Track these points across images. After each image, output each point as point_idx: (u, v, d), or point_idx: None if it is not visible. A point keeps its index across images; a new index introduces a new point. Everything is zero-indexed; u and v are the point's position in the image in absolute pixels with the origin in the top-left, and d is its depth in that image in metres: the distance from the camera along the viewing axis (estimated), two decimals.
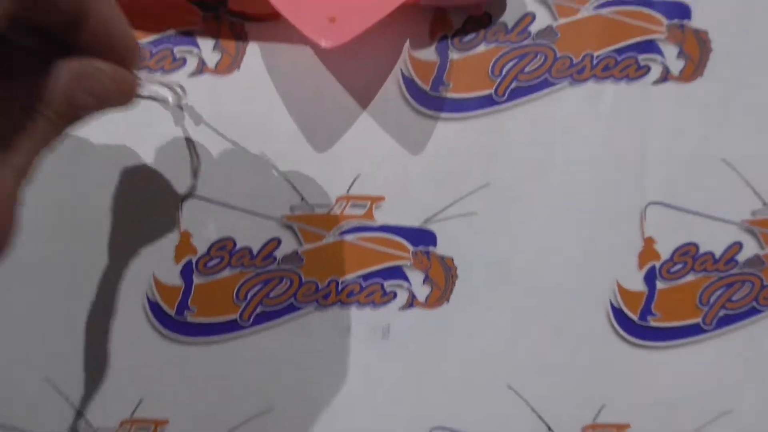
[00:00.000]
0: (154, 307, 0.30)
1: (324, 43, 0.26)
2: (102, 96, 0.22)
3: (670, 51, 0.32)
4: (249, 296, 0.31)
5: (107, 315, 0.30)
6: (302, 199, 0.31)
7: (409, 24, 0.31)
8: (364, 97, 0.31)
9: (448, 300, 0.31)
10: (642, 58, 0.32)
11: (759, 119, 0.32)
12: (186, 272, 0.30)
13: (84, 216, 0.30)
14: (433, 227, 0.31)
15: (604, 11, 0.31)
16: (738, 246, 0.32)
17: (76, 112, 0.22)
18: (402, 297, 0.31)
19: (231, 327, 0.31)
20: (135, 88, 0.23)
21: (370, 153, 0.31)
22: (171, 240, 0.30)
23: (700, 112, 0.32)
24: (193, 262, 0.30)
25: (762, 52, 0.32)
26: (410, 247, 0.31)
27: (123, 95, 0.23)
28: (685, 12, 0.32)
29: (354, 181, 0.31)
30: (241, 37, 0.30)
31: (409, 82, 0.31)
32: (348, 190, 0.31)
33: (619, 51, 0.32)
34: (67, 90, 0.21)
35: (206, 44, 0.30)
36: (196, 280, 0.30)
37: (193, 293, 0.30)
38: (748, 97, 0.32)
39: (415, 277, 0.31)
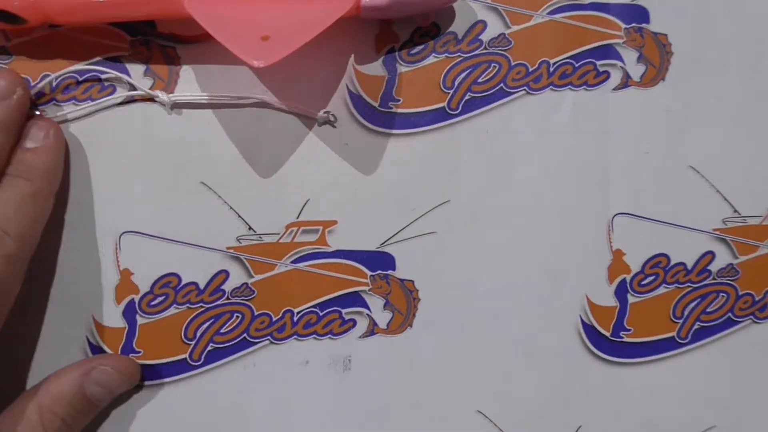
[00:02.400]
0: (97, 351, 0.28)
1: (256, 63, 0.24)
2: (112, 386, 0.27)
3: (629, 56, 0.30)
4: (198, 334, 0.29)
5: (46, 363, 0.28)
6: (249, 228, 0.29)
7: (353, 38, 0.29)
8: (309, 117, 0.29)
9: (411, 325, 0.30)
10: (600, 64, 0.30)
11: (725, 123, 0.30)
12: (128, 313, 0.29)
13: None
14: (390, 250, 0.29)
15: (559, 17, 0.30)
16: (710, 255, 0.30)
17: (91, 406, 0.27)
18: (362, 324, 0.29)
19: (181, 368, 0.29)
20: (138, 370, 0.28)
21: (320, 175, 0.29)
22: (110, 279, 0.28)
23: (663, 117, 0.30)
24: (136, 301, 0.29)
25: (723, 53, 0.30)
26: (368, 272, 0.29)
27: (131, 380, 0.28)
28: (642, 15, 0.30)
29: (304, 206, 0.29)
30: (173, 60, 0.29)
31: (356, 99, 0.29)
32: (298, 216, 0.29)
33: (577, 57, 0.30)
34: (80, 388, 0.26)
35: (136, 70, 0.29)
36: (140, 320, 0.29)
37: (137, 334, 0.29)
38: (713, 100, 0.30)
39: (375, 303, 0.29)
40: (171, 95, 0.28)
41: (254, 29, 0.26)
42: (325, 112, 0.29)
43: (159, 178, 0.29)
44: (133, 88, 0.28)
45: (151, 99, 0.28)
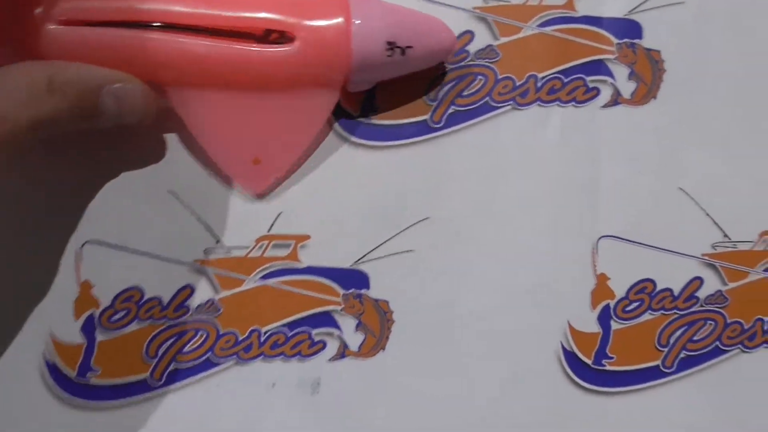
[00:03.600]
0: (53, 370, 0.27)
1: (252, 192, 0.27)
2: (126, 107, 0.24)
3: (620, 72, 0.29)
4: (160, 352, 0.27)
5: None
6: (217, 241, 0.28)
7: None
8: None
9: (384, 348, 0.28)
10: (590, 79, 0.29)
11: (717, 145, 0.29)
12: (87, 328, 0.27)
13: None
14: (365, 268, 0.28)
15: (549, 29, 0.29)
16: (698, 281, 0.29)
17: (94, 109, 0.23)
18: (332, 346, 0.28)
19: (141, 388, 0.27)
20: (156, 108, 0.25)
21: (294, 187, 0.28)
22: (69, 292, 0.27)
23: (654, 137, 0.29)
24: (96, 316, 0.27)
25: (717, 72, 0.29)
26: (340, 291, 0.28)
27: (147, 114, 0.25)
28: (636, 31, 0.29)
29: (276, 219, 0.28)
30: None
31: (337, 110, 0.28)
32: (269, 229, 0.28)
33: (566, 72, 0.29)
34: (96, 83, 0.23)
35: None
36: (100, 336, 0.27)
37: (96, 351, 0.27)
38: (705, 120, 0.29)
39: (347, 324, 0.28)
40: None
41: (245, 149, 0.26)
42: None
43: (124, 185, 0.27)
44: None
45: None
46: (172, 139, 0.27)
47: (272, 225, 0.28)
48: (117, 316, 0.27)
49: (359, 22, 0.25)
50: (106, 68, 0.23)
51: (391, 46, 0.25)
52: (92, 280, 0.27)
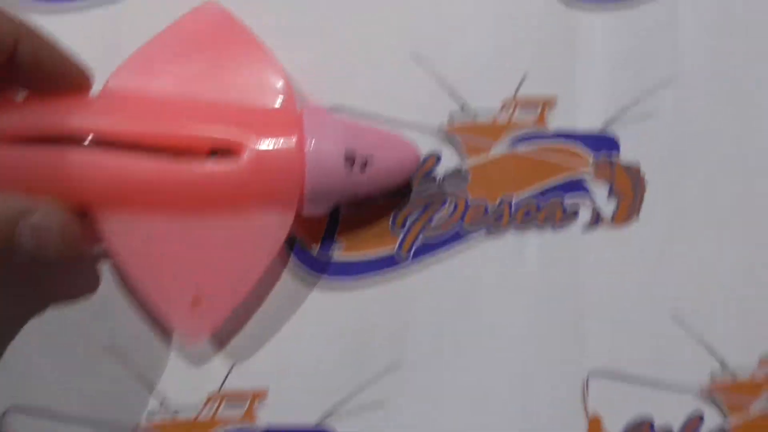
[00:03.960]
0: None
1: (188, 338, 0.24)
2: (46, 241, 0.20)
3: (599, 190, 0.27)
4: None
5: None
6: (161, 402, 0.24)
7: None
8: None
9: None
10: (568, 200, 0.27)
11: (707, 265, 0.27)
12: None
13: None
14: (333, 423, 0.25)
15: (520, 148, 0.27)
16: (698, 419, 0.27)
17: (8, 244, 0.20)
18: None
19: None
20: (82, 239, 0.21)
21: (246, 334, 0.25)
22: None
23: (640, 260, 0.27)
24: None
25: (702, 184, 0.27)
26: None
27: (69, 247, 0.21)
28: (612, 145, 0.28)
29: (229, 372, 0.25)
30: None
31: (291, 240, 0.26)
32: (221, 386, 0.24)
33: (542, 194, 0.27)
34: (11, 214, 0.20)
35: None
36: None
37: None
38: (693, 239, 0.27)
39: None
40: None
41: (183, 286, 0.23)
42: None
43: (50, 338, 0.24)
44: None
45: None
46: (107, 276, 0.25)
47: (224, 380, 0.25)
48: None
49: (314, 134, 0.23)
50: (23, 195, 0.20)
51: (350, 160, 0.23)
52: None
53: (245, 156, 0.22)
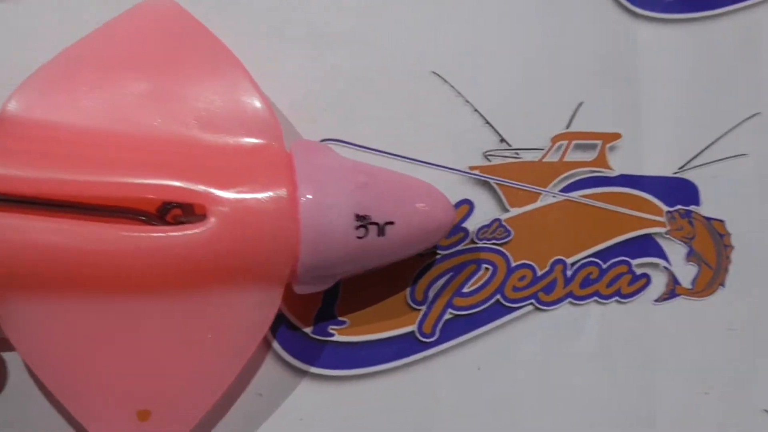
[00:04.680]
0: None
1: None
2: None
3: (675, 251, 0.21)
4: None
5: None
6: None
7: None
8: None
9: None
10: (637, 263, 0.21)
11: None
12: None
13: None
14: None
15: (575, 195, 0.21)
16: None
17: None
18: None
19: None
20: None
21: None
22: None
23: (725, 338, 0.21)
24: None
25: None
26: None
27: None
28: (690, 194, 0.22)
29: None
30: None
31: (276, 320, 0.19)
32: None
33: (603, 254, 0.21)
34: None
35: None
36: None
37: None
38: None
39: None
40: None
41: (125, 396, 0.16)
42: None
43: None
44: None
45: None
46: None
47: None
48: None
49: (311, 183, 0.16)
50: None
51: (363, 221, 0.17)
52: None
53: (211, 219, 0.15)
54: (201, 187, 0.15)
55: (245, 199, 0.16)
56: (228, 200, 0.15)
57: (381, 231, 0.17)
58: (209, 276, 0.16)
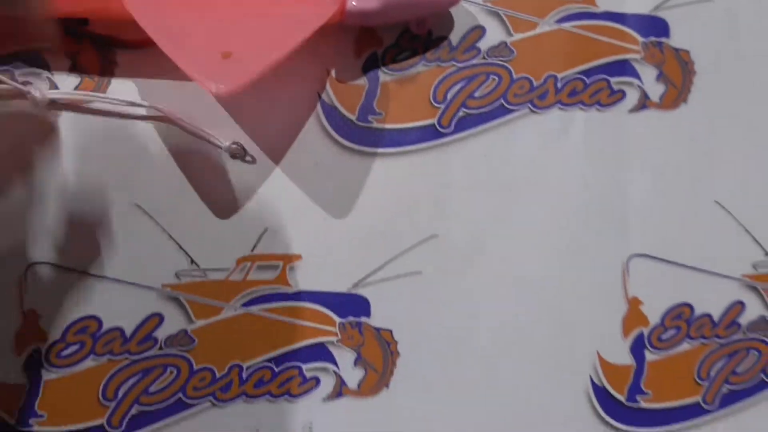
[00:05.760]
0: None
1: (215, 88, 0.19)
2: None
3: (647, 73, 0.26)
4: (120, 394, 0.23)
5: None
6: (191, 261, 0.24)
7: (328, 40, 0.24)
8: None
9: (387, 385, 0.24)
10: (615, 81, 0.26)
11: (755, 153, 0.26)
12: (31, 366, 0.23)
13: None
14: (365, 292, 0.24)
15: (568, 25, 0.26)
16: (739, 306, 0.26)
17: None
18: (327, 384, 0.24)
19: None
20: None
21: (282, 200, 0.24)
22: (9, 323, 0.23)
23: (686, 145, 0.26)
24: (42, 351, 0.23)
25: (752, 73, 0.27)
26: (337, 319, 0.24)
27: None
28: (662, 29, 0.27)
29: (260, 236, 0.24)
30: (108, 68, 0.23)
31: (329, 111, 0.25)
32: (253, 249, 0.24)
33: (588, 72, 0.26)
34: None
35: (60, 64, 0.23)
36: (47, 375, 0.22)
37: (41, 393, 0.23)
38: (741, 127, 0.26)
39: (344, 358, 0.24)
40: (49, 92, 0.22)
41: (213, 43, 0.21)
42: (234, 143, 0.23)
43: (77, 193, 0.23)
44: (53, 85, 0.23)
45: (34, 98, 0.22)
46: (135, 147, 0.24)
47: (256, 244, 0.24)
48: (68, 351, 0.23)
49: None
50: None
51: None
52: (38, 309, 0.23)
53: None
54: None
55: None
56: None
57: None
58: None
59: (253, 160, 0.24)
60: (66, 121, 0.23)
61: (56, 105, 0.23)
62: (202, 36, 0.21)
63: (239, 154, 0.23)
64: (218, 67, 0.20)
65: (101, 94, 0.23)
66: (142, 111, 0.23)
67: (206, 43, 0.21)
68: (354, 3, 0.22)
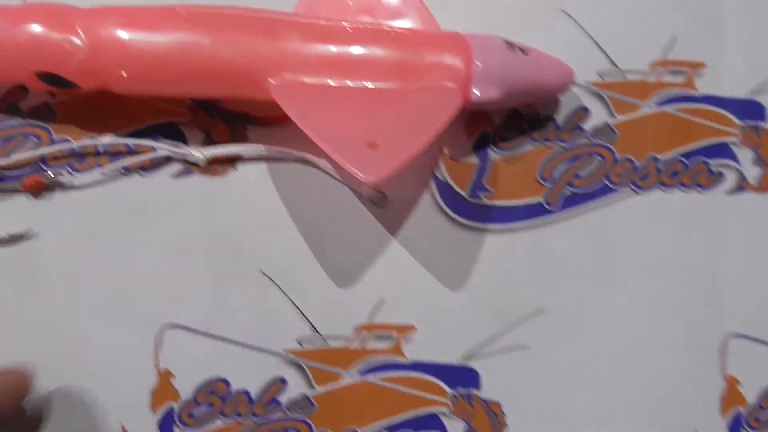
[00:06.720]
0: None
1: (369, 178, 0.21)
2: None
3: (745, 156, 0.27)
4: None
5: None
6: (312, 328, 0.25)
7: None
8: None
9: None
10: (714, 163, 0.27)
11: None
12: (165, 424, 0.24)
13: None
14: (475, 364, 0.25)
15: (669, 108, 0.27)
16: None
17: None
18: None
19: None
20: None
21: (397, 272, 0.25)
22: (147, 381, 0.24)
23: None
24: (175, 410, 0.24)
25: None
26: (448, 390, 0.25)
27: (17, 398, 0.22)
28: (759, 112, 0.28)
29: (377, 306, 0.25)
30: (238, 136, 0.25)
31: (443, 187, 0.26)
32: (369, 318, 0.25)
33: (688, 155, 0.27)
34: None
35: (195, 137, 0.25)
36: None
37: None
38: None
39: (455, 428, 0.25)
40: (206, 150, 0.25)
41: (358, 132, 0.22)
42: (376, 190, 0.25)
43: (212, 263, 0.25)
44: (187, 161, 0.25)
45: (199, 168, 0.25)
46: (264, 221, 0.25)
47: (373, 313, 0.25)
48: (198, 411, 0.24)
49: (472, 36, 0.24)
50: None
51: (510, 46, 0.24)
52: (173, 369, 0.24)
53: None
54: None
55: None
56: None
57: (523, 52, 0.24)
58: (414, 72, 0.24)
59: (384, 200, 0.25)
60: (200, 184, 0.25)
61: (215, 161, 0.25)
62: (345, 125, 0.22)
63: (379, 201, 0.25)
64: (366, 157, 0.22)
65: (252, 145, 0.25)
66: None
67: (351, 133, 0.22)
68: (477, 93, 0.24)
